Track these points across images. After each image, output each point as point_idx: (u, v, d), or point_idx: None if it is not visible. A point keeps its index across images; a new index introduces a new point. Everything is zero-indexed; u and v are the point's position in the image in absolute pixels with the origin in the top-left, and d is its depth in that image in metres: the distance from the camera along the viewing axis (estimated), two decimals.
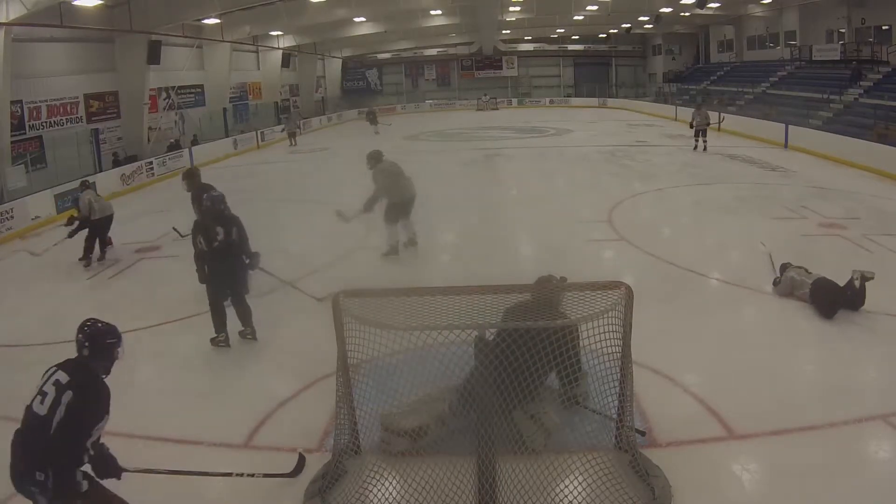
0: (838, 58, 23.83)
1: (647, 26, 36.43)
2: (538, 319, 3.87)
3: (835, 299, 6.42)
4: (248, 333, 6.35)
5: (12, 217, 11.99)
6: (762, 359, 5.60)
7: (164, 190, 15.89)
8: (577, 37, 42.73)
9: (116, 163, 18.60)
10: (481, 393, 3.69)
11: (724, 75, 32.80)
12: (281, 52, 31.04)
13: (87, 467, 3.15)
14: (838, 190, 12.81)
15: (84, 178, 11.81)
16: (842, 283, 6.49)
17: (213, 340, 6.22)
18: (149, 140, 20.87)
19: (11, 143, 15.17)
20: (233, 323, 6.29)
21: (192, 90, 25.18)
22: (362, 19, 28.73)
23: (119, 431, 3.97)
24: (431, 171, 16.09)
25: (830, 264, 7.27)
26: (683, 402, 4.94)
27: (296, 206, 13.40)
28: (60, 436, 2.99)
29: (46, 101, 17.60)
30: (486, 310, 3.96)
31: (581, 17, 32.24)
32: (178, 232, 10.09)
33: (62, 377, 3.10)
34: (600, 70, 44.14)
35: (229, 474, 4.03)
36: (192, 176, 8.36)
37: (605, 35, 42.27)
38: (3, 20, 13.64)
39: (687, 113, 21.43)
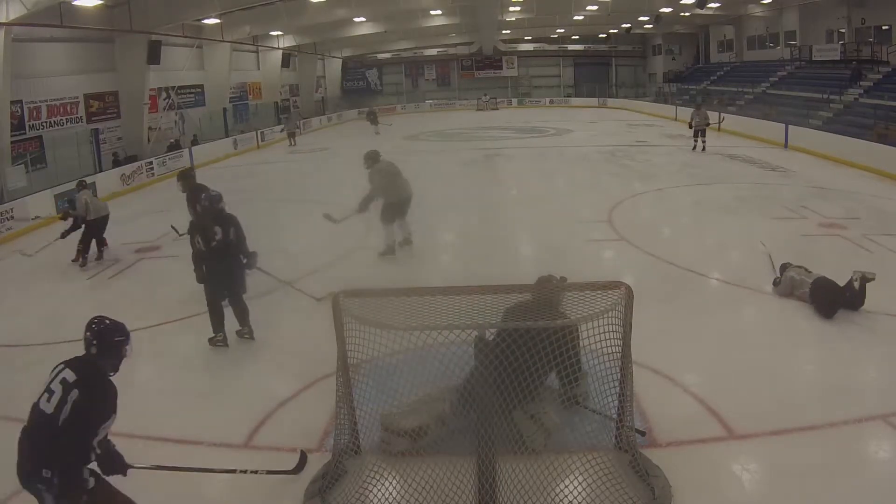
0: (838, 58, 23.83)
1: (647, 26, 36.42)
2: (538, 319, 3.87)
3: (834, 299, 6.43)
4: (246, 333, 6.36)
5: (12, 217, 12.00)
6: (762, 359, 5.61)
7: (164, 190, 15.86)
8: (577, 37, 42.72)
9: (116, 163, 18.59)
10: (481, 393, 3.69)
11: (724, 75, 32.80)
12: (281, 52, 31.04)
13: (93, 465, 3.16)
14: (838, 190, 12.81)
15: (81, 179, 11.82)
16: (842, 284, 6.49)
17: (211, 340, 6.24)
18: (149, 140, 20.87)
19: (11, 143, 15.17)
20: (231, 322, 6.30)
21: (192, 90, 25.18)
22: (362, 19, 28.73)
23: (119, 431, 3.94)
24: (431, 171, 16.11)
25: (830, 264, 7.27)
26: (683, 402, 4.94)
27: (296, 206, 13.40)
28: (67, 434, 2.99)
29: (46, 101, 17.60)
30: (486, 310, 3.96)
31: (581, 17, 32.23)
32: (175, 230, 10.09)
33: (69, 375, 3.09)
34: (600, 70, 44.13)
35: (233, 471, 4.05)
36: (186, 177, 8.44)
37: (605, 35, 42.26)
38: (3, 20, 13.64)
39: (687, 113, 21.42)
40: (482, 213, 11.79)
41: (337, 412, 4.18)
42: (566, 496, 3.73)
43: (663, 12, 30.18)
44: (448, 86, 45.08)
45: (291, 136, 25.98)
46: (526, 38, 42.42)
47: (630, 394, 4.19)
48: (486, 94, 41.19)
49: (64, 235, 9.52)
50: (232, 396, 5.34)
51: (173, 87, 23.51)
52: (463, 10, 29.93)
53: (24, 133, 16.58)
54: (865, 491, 3.89)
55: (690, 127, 18.58)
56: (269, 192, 15.49)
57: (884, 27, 23.30)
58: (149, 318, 7.00)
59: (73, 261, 9.41)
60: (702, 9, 27.25)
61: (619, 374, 4.10)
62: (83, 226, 9.45)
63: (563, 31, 39.35)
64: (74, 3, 15.49)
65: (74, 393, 3.02)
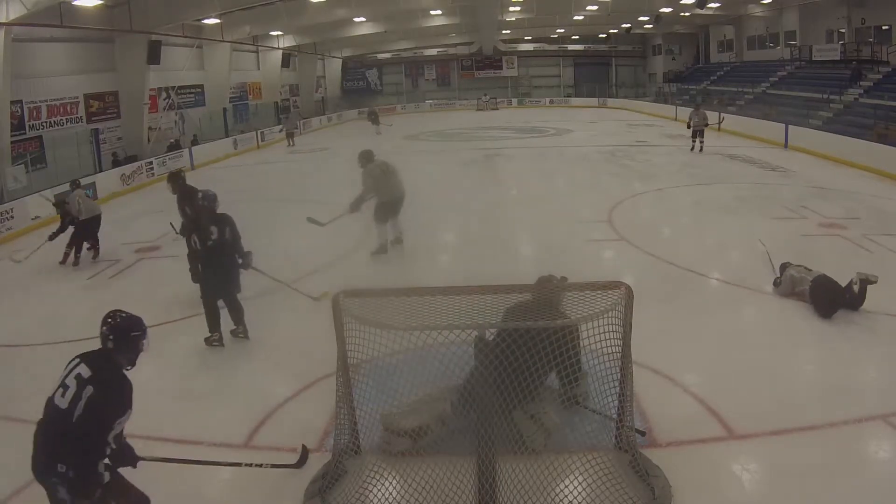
0: (838, 58, 23.84)
1: (647, 26, 36.43)
2: (538, 319, 3.87)
3: (834, 298, 6.43)
4: (240, 332, 6.37)
5: (12, 217, 12.00)
6: (762, 359, 5.61)
7: (164, 190, 15.46)
8: (577, 37, 42.73)
9: (116, 163, 18.59)
10: (481, 393, 3.69)
11: (724, 75, 32.80)
12: (281, 52, 31.04)
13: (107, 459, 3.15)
14: (838, 190, 12.81)
15: (75, 179, 11.77)
16: (842, 284, 6.49)
17: (207, 340, 6.25)
18: (149, 140, 20.87)
19: (11, 143, 15.17)
20: (226, 322, 6.31)
21: (192, 90, 25.18)
22: (362, 19, 28.74)
23: None
24: (431, 172, 16.11)
25: (830, 264, 7.26)
26: (683, 402, 4.95)
27: (295, 206, 13.37)
28: (81, 430, 2.97)
29: (46, 101, 17.60)
30: (486, 310, 3.96)
31: (581, 17, 32.24)
32: (174, 228, 10.08)
33: (84, 371, 3.06)
34: (600, 70, 44.14)
35: (238, 464, 4.09)
36: (176, 178, 8.40)
37: (605, 35, 42.27)
38: (3, 20, 13.65)
39: (687, 113, 21.41)
40: (482, 213, 11.79)
41: (337, 412, 4.18)
42: (566, 496, 3.73)
43: (663, 12, 30.19)
44: (448, 86, 45.08)
45: (290, 136, 25.92)
46: (526, 38, 42.43)
47: (630, 394, 4.19)
48: (486, 94, 41.18)
49: (53, 237, 9.43)
50: (232, 396, 5.34)
51: (173, 87, 23.51)
52: (463, 10, 29.93)
53: (24, 133, 16.59)
54: (865, 491, 3.89)
55: (689, 127, 18.58)
56: (269, 192, 15.48)
57: (884, 27, 23.30)
58: (148, 318, 6.85)
59: (60, 263, 9.32)
60: (702, 9, 27.26)
61: (619, 374, 4.10)
62: (73, 227, 9.38)
63: (563, 31, 39.35)
64: (74, 3, 15.50)
65: (89, 389, 3.00)
